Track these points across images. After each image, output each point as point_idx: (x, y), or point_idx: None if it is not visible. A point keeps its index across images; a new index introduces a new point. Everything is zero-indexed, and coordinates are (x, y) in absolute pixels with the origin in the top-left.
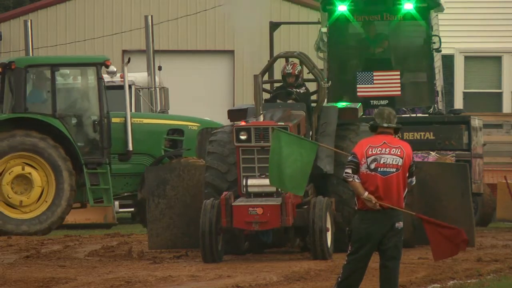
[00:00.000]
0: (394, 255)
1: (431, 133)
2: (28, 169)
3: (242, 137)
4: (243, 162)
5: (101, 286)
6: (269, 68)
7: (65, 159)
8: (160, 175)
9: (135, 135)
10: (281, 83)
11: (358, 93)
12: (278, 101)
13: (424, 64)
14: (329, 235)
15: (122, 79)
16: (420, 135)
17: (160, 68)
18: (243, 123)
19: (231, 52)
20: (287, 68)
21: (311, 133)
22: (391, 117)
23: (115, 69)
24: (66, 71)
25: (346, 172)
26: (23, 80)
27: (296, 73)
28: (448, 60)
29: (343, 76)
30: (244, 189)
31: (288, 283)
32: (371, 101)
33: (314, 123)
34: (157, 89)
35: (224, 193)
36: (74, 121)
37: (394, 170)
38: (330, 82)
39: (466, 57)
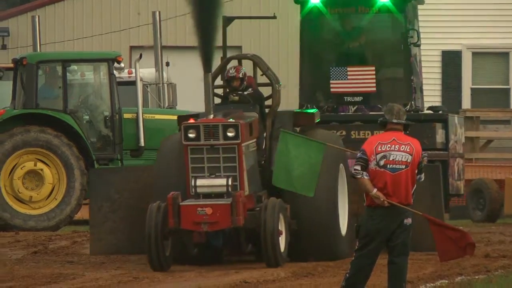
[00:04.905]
0: (402, 252)
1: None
2: (40, 165)
3: (191, 135)
4: (192, 161)
5: (108, 282)
6: (222, 69)
7: (78, 158)
8: (104, 177)
9: (147, 131)
10: (226, 88)
11: (332, 89)
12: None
13: (401, 59)
14: (282, 239)
15: (130, 75)
16: None
17: (167, 64)
18: (191, 121)
19: (239, 48)
20: (231, 71)
21: (264, 137)
22: (400, 114)
23: (122, 65)
24: (74, 67)
25: (355, 169)
26: (34, 76)
27: (241, 76)
28: (455, 57)
29: (316, 71)
30: (193, 190)
31: (296, 279)
32: (345, 98)
33: (268, 128)
34: (165, 85)
35: (172, 192)
36: (85, 117)
37: (403, 167)
38: (281, 84)
39: (473, 53)
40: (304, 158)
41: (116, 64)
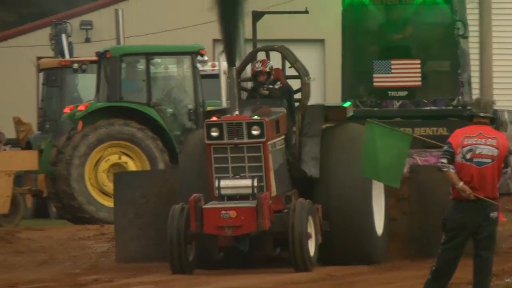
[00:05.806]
0: (488, 245)
1: (445, 129)
2: (124, 158)
3: (214, 134)
4: (215, 161)
5: (191, 275)
6: (248, 63)
7: (162, 151)
8: (129, 181)
9: None
10: (253, 83)
11: (375, 84)
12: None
13: (447, 52)
14: (311, 242)
15: (213, 68)
16: (433, 130)
17: None
18: (214, 119)
19: (321, 41)
20: (257, 65)
21: (294, 133)
22: (487, 107)
23: (206, 58)
24: (157, 60)
25: (441, 162)
26: (118, 69)
27: (267, 70)
28: None
29: (359, 65)
30: (217, 192)
31: (382, 273)
32: (389, 92)
33: (297, 123)
34: None
35: (194, 195)
36: (169, 110)
37: (490, 161)
38: (312, 77)
39: None
40: (390, 149)
41: (199, 57)
